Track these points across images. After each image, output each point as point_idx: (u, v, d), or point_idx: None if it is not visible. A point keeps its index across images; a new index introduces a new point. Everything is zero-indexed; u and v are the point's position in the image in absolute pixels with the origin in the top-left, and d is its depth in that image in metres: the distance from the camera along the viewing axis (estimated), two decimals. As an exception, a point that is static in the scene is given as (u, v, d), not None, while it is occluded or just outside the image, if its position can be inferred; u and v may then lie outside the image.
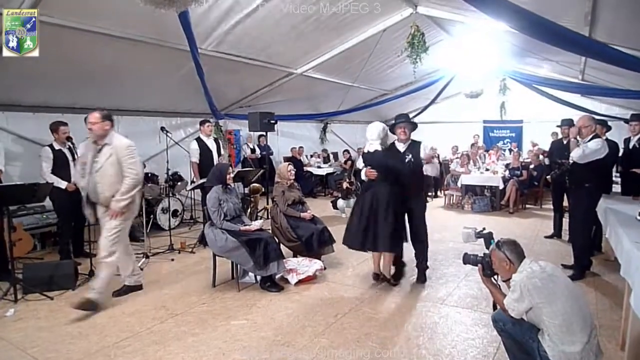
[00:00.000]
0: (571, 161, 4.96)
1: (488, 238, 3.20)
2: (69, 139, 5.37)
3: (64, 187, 5.39)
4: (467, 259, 3.15)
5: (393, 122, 4.89)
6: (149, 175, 7.52)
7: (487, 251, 2.97)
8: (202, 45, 6.26)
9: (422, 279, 4.90)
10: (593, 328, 2.57)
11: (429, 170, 4.45)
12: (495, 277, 2.93)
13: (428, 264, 5.00)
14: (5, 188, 4.62)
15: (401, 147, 4.84)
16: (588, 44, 4.94)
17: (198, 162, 6.90)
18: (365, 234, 4.61)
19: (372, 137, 4.75)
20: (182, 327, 3.80)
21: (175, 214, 7.45)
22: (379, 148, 4.70)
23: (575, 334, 2.47)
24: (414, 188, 4.78)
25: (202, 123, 7.17)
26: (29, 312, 4.11)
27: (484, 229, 3.32)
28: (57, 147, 5.44)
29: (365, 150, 4.84)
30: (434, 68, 10.19)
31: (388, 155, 4.70)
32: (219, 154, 7.12)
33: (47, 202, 5.89)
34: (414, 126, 4.85)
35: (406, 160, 4.73)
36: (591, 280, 4.89)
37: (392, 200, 4.56)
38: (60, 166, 5.43)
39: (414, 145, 4.82)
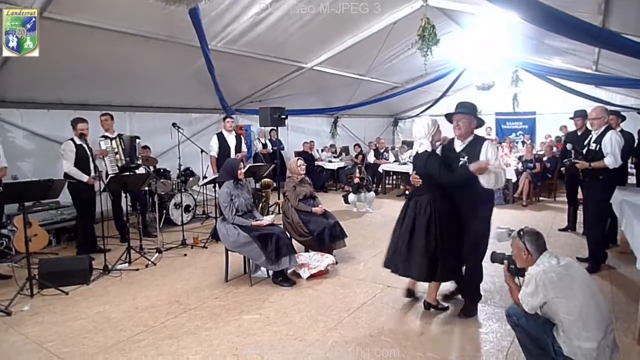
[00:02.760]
0: (584, 152, 4.89)
1: None
2: (82, 135, 5.43)
3: (85, 180, 5.49)
4: (495, 258, 3.13)
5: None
6: (162, 170, 7.60)
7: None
8: (212, 41, 6.27)
9: (465, 311, 3.89)
10: (610, 323, 2.53)
11: (484, 180, 3.59)
12: (519, 279, 2.89)
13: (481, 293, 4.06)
14: (20, 184, 4.69)
15: (458, 145, 3.83)
16: (601, 34, 4.84)
17: (217, 156, 6.97)
18: (398, 253, 3.93)
19: (418, 134, 3.79)
20: (195, 321, 3.84)
21: (187, 209, 7.51)
22: (429, 148, 3.75)
23: (591, 330, 2.43)
24: (466, 201, 3.72)
25: (224, 119, 7.27)
26: (44, 306, 4.18)
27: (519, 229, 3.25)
28: (77, 142, 5.51)
29: (414, 152, 3.96)
30: (445, 60, 10.08)
31: (435, 158, 3.73)
32: (239, 150, 7.17)
33: (62, 198, 5.97)
34: (476, 119, 3.78)
35: (460, 164, 3.68)
36: (606, 273, 4.82)
37: (437, 217, 3.71)
38: (81, 160, 5.51)
39: (475, 144, 3.72)
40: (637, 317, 3.40)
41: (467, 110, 3.75)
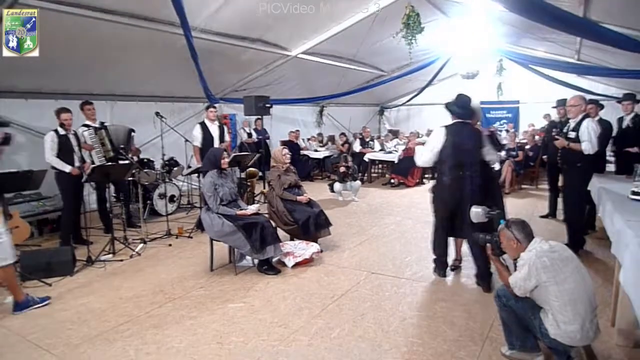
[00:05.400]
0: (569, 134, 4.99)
1: (497, 218, 3.26)
2: (62, 125, 5.34)
3: (68, 170, 5.39)
4: (476, 238, 3.21)
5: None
6: (145, 160, 7.53)
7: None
8: (196, 29, 6.18)
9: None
10: (595, 307, 2.62)
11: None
12: (504, 257, 3.00)
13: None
14: (-1, 175, 4.61)
15: None
16: (582, 24, 4.92)
17: (200, 146, 6.89)
18: None
19: None
20: (180, 310, 3.85)
21: (172, 199, 7.46)
22: None
23: (578, 314, 2.52)
24: None
25: (207, 108, 7.17)
26: (28, 298, 4.13)
27: (493, 208, 3.35)
28: (61, 132, 5.41)
29: None
30: (430, 49, 10.11)
31: None
32: (222, 140, 7.09)
33: (44, 189, 5.90)
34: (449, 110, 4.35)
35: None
36: (584, 258, 4.91)
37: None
38: (65, 151, 5.41)
39: None
40: (611, 300, 3.50)
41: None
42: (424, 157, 4.35)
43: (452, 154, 4.14)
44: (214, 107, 7.25)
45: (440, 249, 4.52)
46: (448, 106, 4.30)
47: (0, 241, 3.68)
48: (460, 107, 4.23)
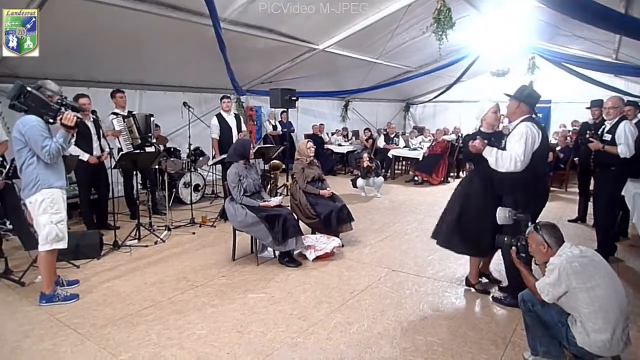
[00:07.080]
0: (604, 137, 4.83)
1: (525, 221, 3.15)
2: (93, 112, 5.43)
3: (85, 159, 5.47)
4: (500, 242, 3.12)
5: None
6: (172, 149, 7.64)
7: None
8: (224, 21, 6.22)
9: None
10: (627, 317, 2.52)
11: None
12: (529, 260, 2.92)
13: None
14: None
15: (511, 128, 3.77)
16: (623, 21, 4.73)
17: (218, 138, 6.95)
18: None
19: (473, 115, 4.01)
20: (201, 298, 3.90)
21: (196, 188, 7.56)
22: (476, 129, 3.93)
23: (609, 322, 2.43)
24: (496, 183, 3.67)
25: (221, 99, 7.20)
26: (56, 279, 4.26)
27: (520, 210, 3.24)
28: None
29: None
30: (460, 45, 9.90)
31: (467, 138, 3.85)
32: (239, 130, 7.13)
33: (74, 174, 6.04)
34: (525, 102, 3.56)
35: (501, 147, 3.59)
36: (615, 265, 4.72)
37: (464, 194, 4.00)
38: (82, 138, 5.44)
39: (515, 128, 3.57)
40: (642, 309, 3.39)
41: (514, 94, 3.65)
42: (525, 156, 3.37)
43: (542, 155, 3.52)
44: (228, 98, 7.27)
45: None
46: (520, 97, 3.58)
47: (63, 221, 3.76)
48: (534, 99, 3.62)
